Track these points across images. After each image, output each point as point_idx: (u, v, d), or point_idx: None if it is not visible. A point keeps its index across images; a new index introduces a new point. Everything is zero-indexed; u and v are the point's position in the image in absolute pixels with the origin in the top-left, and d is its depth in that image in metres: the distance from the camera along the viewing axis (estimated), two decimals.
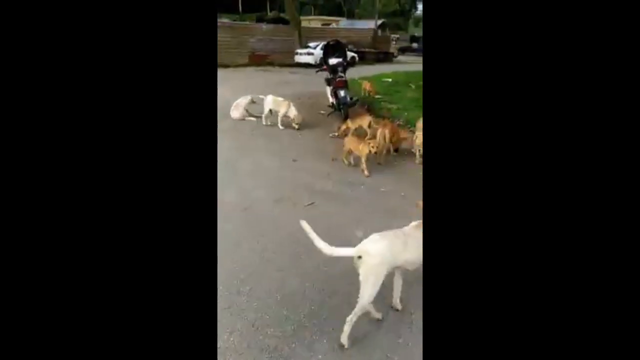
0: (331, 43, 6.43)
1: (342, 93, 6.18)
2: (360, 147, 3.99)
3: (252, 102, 6.71)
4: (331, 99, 6.62)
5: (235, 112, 6.38)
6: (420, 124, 4.55)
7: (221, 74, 7.23)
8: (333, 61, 6.26)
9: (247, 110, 6.54)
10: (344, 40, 18.41)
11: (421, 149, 4.39)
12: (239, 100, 6.50)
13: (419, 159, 4.53)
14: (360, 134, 4.92)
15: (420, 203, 4.78)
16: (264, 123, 6.07)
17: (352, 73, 12.30)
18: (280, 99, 5.97)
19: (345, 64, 6.26)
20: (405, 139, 5.09)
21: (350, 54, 17.19)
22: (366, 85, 7.16)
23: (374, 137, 4.23)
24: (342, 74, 6.27)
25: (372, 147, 3.83)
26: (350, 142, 4.24)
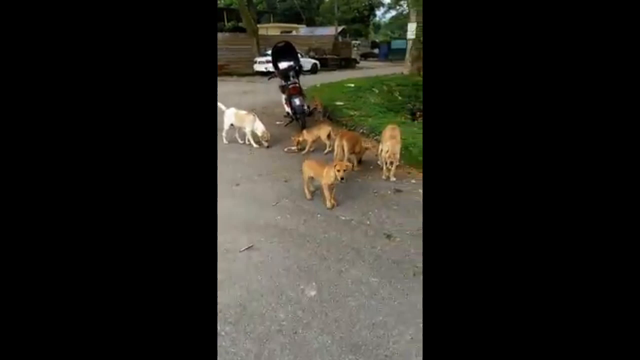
0: (280, 45, 5.73)
1: (297, 101, 5.51)
2: (325, 172, 3.14)
3: None
4: (287, 108, 5.93)
5: None
6: (387, 133, 3.93)
7: None
8: (283, 65, 5.56)
9: None
10: (304, 47, 18.26)
11: (389, 161, 3.76)
12: None
13: (386, 174, 3.92)
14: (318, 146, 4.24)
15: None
16: (224, 141, 5.16)
17: (315, 80, 11.96)
18: (244, 112, 5.08)
19: (297, 67, 5.58)
20: (368, 148, 4.49)
21: (312, 61, 16.86)
22: (314, 101, 6.46)
23: (339, 154, 3.41)
24: (296, 80, 5.60)
25: (340, 171, 2.99)
26: (310, 168, 3.36)
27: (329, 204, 3.22)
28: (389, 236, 2.78)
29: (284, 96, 6.02)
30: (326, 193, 3.22)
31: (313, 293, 2.15)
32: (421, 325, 1.86)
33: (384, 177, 3.94)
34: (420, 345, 1.74)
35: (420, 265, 2.37)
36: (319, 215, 3.12)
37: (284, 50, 5.64)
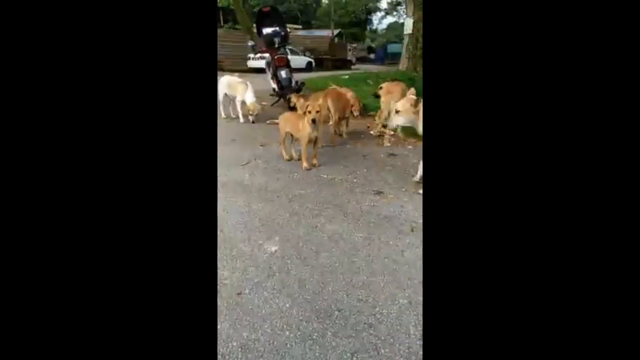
0: (265, 10, 5.21)
1: (283, 73, 4.99)
2: (301, 125, 2.61)
3: None
4: (273, 84, 5.41)
5: None
6: (385, 89, 3.40)
7: None
8: (267, 30, 5.03)
9: None
10: (300, 47, 18.01)
11: (384, 119, 3.23)
12: None
13: (387, 138, 3.39)
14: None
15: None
16: (222, 115, 4.52)
17: (310, 75, 11.59)
18: (238, 79, 4.44)
19: (283, 34, 5.05)
20: (359, 109, 3.87)
21: (307, 59, 16.55)
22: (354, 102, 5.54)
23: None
24: (283, 51, 5.09)
25: (311, 112, 2.47)
26: (287, 122, 2.81)
27: (305, 164, 2.66)
28: (379, 192, 2.23)
29: (269, 72, 5.52)
30: (303, 151, 2.66)
31: (274, 249, 1.58)
32: (421, 287, 1.30)
33: (387, 142, 3.41)
34: (419, 311, 1.18)
35: (420, 222, 1.82)
36: (295, 175, 2.57)
37: (269, 15, 5.12)
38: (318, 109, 2.49)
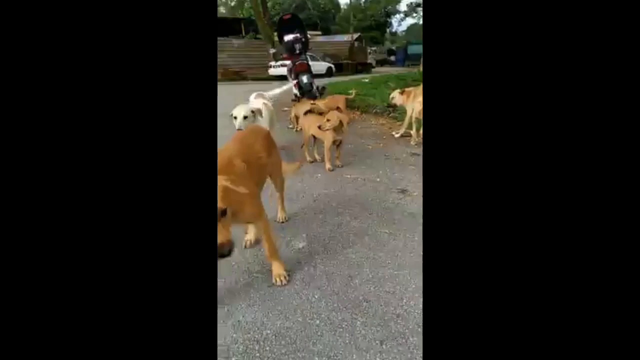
0: (285, 18, 5.35)
1: (304, 79, 5.10)
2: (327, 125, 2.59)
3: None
4: (295, 90, 5.53)
5: None
6: (412, 92, 3.46)
7: None
8: (289, 37, 5.16)
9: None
10: (320, 53, 18.18)
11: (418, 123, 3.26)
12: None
13: (416, 139, 3.41)
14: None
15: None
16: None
17: (330, 80, 11.70)
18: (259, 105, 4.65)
19: (303, 40, 5.16)
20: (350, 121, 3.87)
21: (327, 65, 16.69)
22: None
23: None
24: (304, 57, 5.20)
25: (329, 120, 2.53)
26: (308, 122, 2.86)
27: (328, 165, 2.72)
28: (403, 191, 2.24)
29: (290, 78, 5.64)
30: (326, 152, 2.73)
31: (301, 245, 1.64)
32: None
33: (413, 142, 3.43)
34: None
35: None
36: (319, 175, 2.62)
37: (290, 22, 5.25)
38: (338, 119, 2.54)
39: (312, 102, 3.63)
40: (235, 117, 2.37)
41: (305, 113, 3.01)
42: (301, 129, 3.54)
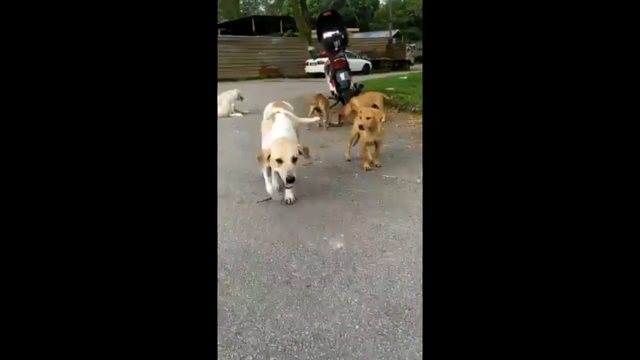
0: (325, 15, 5.31)
1: (342, 76, 5.04)
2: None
3: (240, 98, 5.73)
4: (332, 87, 5.49)
5: (219, 108, 5.36)
6: None
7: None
8: (328, 34, 5.11)
9: (232, 106, 5.59)
10: (357, 50, 17.99)
11: None
12: (222, 95, 5.50)
13: None
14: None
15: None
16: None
17: (367, 78, 11.56)
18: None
19: (342, 37, 5.10)
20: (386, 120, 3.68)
21: (364, 62, 16.48)
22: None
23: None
24: (342, 54, 5.14)
25: (361, 118, 2.49)
26: (356, 122, 2.74)
27: (365, 164, 2.66)
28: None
29: (328, 76, 5.62)
30: (363, 152, 2.67)
31: (339, 245, 1.61)
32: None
33: None
34: None
35: None
36: (356, 175, 2.58)
37: (329, 19, 5.22)
38: (369, 116, 2.47)
39: (349, 108, 3.54)
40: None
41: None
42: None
